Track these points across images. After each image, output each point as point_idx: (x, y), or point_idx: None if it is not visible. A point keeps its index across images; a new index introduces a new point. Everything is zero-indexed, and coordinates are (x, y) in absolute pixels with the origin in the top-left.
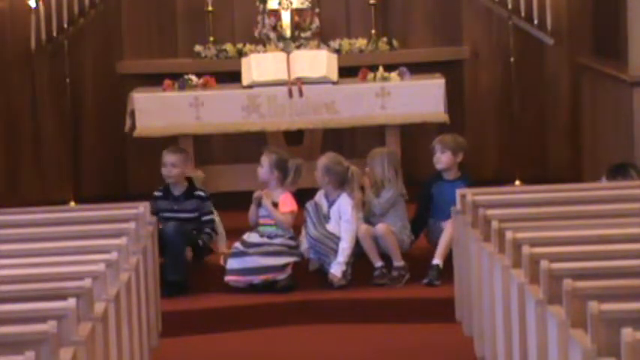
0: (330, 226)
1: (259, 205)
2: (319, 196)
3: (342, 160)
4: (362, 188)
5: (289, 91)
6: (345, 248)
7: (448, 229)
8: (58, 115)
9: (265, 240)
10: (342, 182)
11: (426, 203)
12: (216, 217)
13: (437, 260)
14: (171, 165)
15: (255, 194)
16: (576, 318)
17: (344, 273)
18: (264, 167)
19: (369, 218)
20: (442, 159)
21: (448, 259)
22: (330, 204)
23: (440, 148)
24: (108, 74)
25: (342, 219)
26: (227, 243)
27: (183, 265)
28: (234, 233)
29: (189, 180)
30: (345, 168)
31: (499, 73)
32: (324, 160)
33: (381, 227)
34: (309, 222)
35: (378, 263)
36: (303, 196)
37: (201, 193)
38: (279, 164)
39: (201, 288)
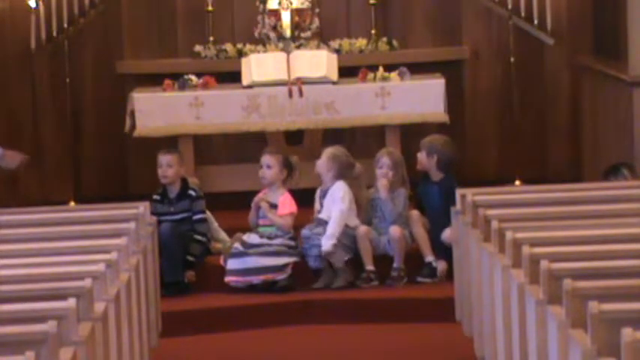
0: (322, 215)
1: (259, 207)
2: (317, 193)
3: (349, 155)
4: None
5: (289, 91)
6: (334, 225)
7: (417, 227)
8: (58, 115)
9: (265, 240)
10: (342, 173)
11: (420, 203)
12: (214, 221)
13: (429, 258)
14: (167, 165)
15: (255, 199)
16: (576, 318)
17: (335, 246)
18: (274, 168)
19: (372, 219)
20: (418, 158)
21: (449, 258)
22: (324, 194)
23: (421, 147)
24: (108, 74)
25: (334, 202)
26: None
27: (180, 265)
28: (234, 233)
29: (184, 180)
30: (350, 162)
31: (499, 73)
32: (331, 149)
33: (396, 230)
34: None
35: (369, 267)
36: (302, 196)
37: (192, 192)
38: (286, 163)
39: (201, 288)
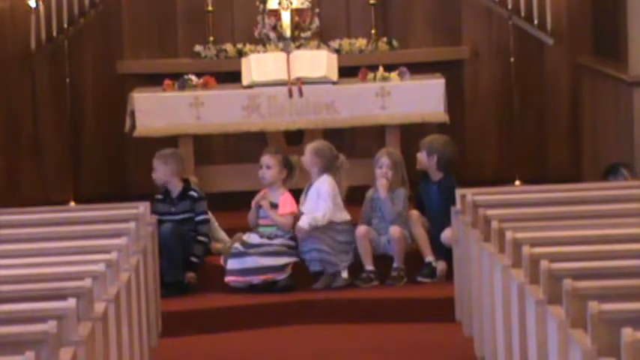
0: (305, 209)
1: (260, 205)
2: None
3: (332, 147)
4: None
5: (289, 91)
6: (319, 216)
7: (416, 227)
8: (58, 115)
9: (265, 240)
10: (328, 167)
11: (420, 203)
12: (214, 221)
13: (429, 258)
14: (154, 168)
15: (256, 199)
16: (576, 318)
17: (310, 226)
18: (274, 168)
19: (371, 219)
20: (418, 158)
21: (448, 258)
22: (309, 187)
23: (420, 147)
24: (108, 74)
25: (320, 197)
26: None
27: (180, 266)
28: (234, 233)
29: (186, 181)
30: (334, 154)
31: (499, 73)
32: (314, 144)
33: (395, 230)
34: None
35: (369, 267)
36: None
37: (194, 193)
38: (286, 163)
39: (202, 288)
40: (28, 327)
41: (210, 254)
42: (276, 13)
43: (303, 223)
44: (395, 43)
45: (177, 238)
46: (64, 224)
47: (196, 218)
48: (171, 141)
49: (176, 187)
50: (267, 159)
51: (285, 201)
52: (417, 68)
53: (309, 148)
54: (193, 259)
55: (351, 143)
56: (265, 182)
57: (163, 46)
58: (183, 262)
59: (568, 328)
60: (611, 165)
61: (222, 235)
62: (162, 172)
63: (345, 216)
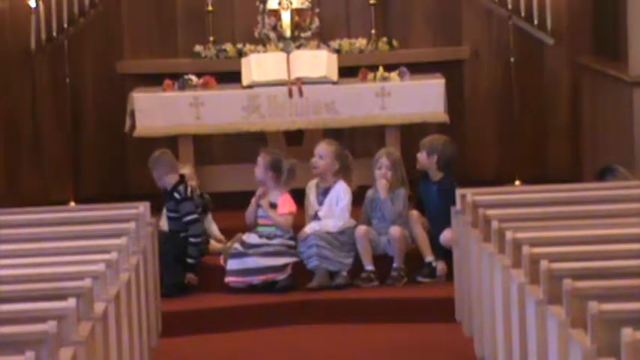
0: (322, 214)
1: (259, 205)
2: (309, 189)
3: (342, 145)
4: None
5: (289, 91)
6: (330, 224)
7: (416, 227)
8: (58, 115)
9: (264, 241)
10: (345, 167)
11: (420, 203)
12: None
13: (429, 258)
14: None
15: (256, 196)
16: (576, 318)
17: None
18: (260, 168)
19: (371, 219)
20: (418, 158)
21: (448, 259)
22: (324, 191)
23: (420, 147)
24: (108, 74)
25: (339, 205)
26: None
27: (178, 266)
28: (234, 234)
29: (181, 177)
30: (346, 154)
31: (499, 73)
32: (331, 147)
33: (396, 230)
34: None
35: (369, 267)
36: (302, 196)
37: (177, 195)
38: (273, 165)
39: (201, 288)
40: (28, 327)
41: (207, 253)
42: (276, 13)
43: (310, 229)
44: (395, 43)
45: (168, 239)
46: (64, 224)
47: (184, 219)
48: (171, 141)
49: (170, 184)
50: (258, 157)
51: (284, 201)
52: (417, 68)
53: (327, 151)
54: (189, 261)
55: (351, 143)
56: (256, 179)
57: (163, 46)
58: (179, 263)
59: (568, 328)
60: (604, 167)
61: (214, 228)
62: (154, 177)
63: (351, 222)
